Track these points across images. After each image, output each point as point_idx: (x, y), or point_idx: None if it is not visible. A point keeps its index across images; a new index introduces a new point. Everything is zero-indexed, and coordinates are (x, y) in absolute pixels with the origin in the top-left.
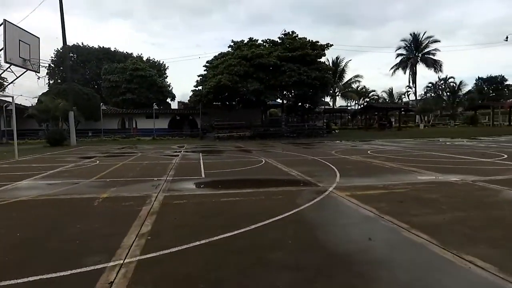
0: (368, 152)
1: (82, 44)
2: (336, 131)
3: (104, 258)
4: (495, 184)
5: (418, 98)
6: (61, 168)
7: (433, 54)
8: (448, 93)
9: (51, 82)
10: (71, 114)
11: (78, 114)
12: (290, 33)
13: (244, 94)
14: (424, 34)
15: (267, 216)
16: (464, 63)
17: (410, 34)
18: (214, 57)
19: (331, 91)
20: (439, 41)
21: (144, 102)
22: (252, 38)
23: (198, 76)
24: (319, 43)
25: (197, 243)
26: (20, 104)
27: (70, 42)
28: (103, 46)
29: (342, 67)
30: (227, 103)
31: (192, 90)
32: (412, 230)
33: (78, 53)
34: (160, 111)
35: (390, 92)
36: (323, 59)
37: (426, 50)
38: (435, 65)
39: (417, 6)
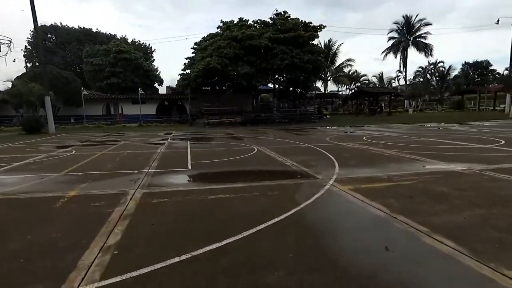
0: (364, 138)
1: (61, 24)
2: (328, 116)
3: None
4: (504, 173)
5: (408, 83)
6: (30, 160)
7: (424, 38)
8: (437, 78)
9: (28, 65)
10: (47, 99)
11: (55, 99)
12: (282, 13)
13: (235, 78)
14: (416, 17)
15: (262, 219)
16: (453, 47)
17: (403, 17)
18: (202, 38)
19: (323, 76)
20: (430, 24)
21: (130, 86)
22: (242, 19)
23: (186, 59)
24: (311, 25)
25: (176, 259)
26: None
27: (48, 22)
28: (84, 27)
29: (334, 50)
30: (216, 87)
31: (179, 74)
32: (433, 235)
33: (57, 34)
34: (147, 96)
35: (380, 77)
36: (315, 41)
37: (417, 34)
38: (425, 49)
39: None
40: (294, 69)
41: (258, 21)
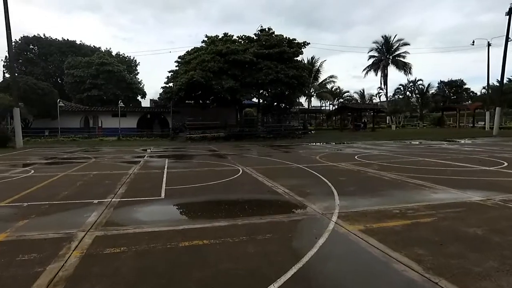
0: (356, 157)
1: (44, 35)
2: (312, 131)
3: None
4: None
5: (389, 99)
6: None
7: (403, 57)
8: (417, 95)
9: (7, 75)
10: (16, 110)
11: (25, 111)
12: (267, 29)
13: (219, 92)
14: (395, 37)
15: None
16: (425, 68)
17: (382, 37)
18: (186, 52)
19: (307, 91)
20: (408, 44)
21: (111, 99)
22: (227, 34)
23: (169, 72)
24: (296, 41)
25: None
26: None
27: (32, 33)
28: (67, 39)
29: (317, 67)
30: (200, 101)
31: (162, 87)
32: None
33: (39, 45)
34: (128, 109)
35: (362, 93)
36: (299, 58)
37: (396, 53)
38: (405, 67)
39: (380, 12)
40: (279, 84)
41: (243, 36)
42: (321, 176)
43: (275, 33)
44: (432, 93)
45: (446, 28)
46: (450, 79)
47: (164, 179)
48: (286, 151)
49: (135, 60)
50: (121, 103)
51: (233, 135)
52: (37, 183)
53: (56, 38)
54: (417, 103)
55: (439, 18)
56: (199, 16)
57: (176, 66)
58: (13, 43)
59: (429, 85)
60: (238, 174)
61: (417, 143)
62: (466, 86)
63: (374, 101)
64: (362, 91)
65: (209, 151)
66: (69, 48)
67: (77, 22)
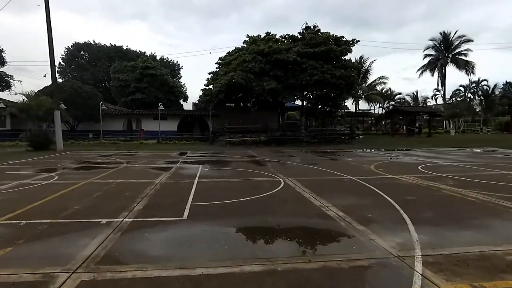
0: (419, 168)
1: (94, 42)
2: (360, 136)
3: None
4: None
5: (447, 102)
6: None
7: (465, 55)
8: (480, 97)
9: (60, 80)
10: (56, 113)
11: (66, 114)
12: (312, 27)
13: (260, 94)
14: (455, 33)
15: None
16: (488, 67)
17: (440, 33)
18: (227, 53)
19: (356, 93)
20: (471, 41)
21: (154, 102)
22: (269, 33)
23: (209, 73)
24: (344, 39)
25: None
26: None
27: (84, 40)
28: (115, 45)
29: (366, 67)
30: (241, 104)
31: (201, 89)
32: None
33: (89, 51)
34: (168, 112)
35: (415, 96)
36: (347, 57)
37: (457, 50)
38: (466, 66)
39: (437, 8)
40: (325, 85)
41: (286, 36)
42: (382, 194)
43: (321, 31)
44: (499, 95)
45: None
46: (496, 84)
47: (193, 191)
48: (333, 159)
49: (178, 64)
50: (161, 106)
51: (274, 140)
52: (53, 192)
53: (105, 44)
54: (480, 106)
55: (504, 12)
56: (242, 20)
57: (216, 68)
58: (65, 50)
59: (495, 86)
60: (279, 188)
61: (488, 151)
62: None
63: (428, 104)
64: (415, 93)
65: (248, 157)
66: (116, 53)
67: (127, 30)
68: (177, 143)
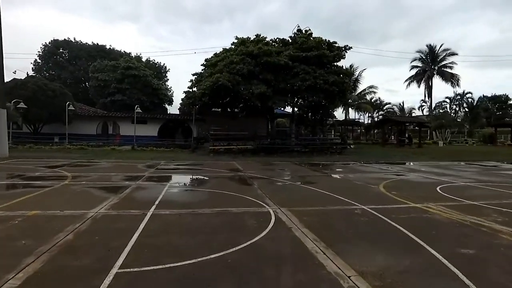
0: (439, 191)
1: (75, 39)
2: (352, 146)
3: None
4: None
5: (433, 113)
6: None
7: (450, 67)
8: (465, 109)
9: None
10: (1, 112)
11: (15, 113)
12: (304, 31)
13: (248, 98)
14: (441, 47)
15: None
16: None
17: (427, 46)
18: (214, 54)
19: (346, 100)
20: (456, 54)
21: (135, 104)
22: (260, 35)
23: (193, 75)
24: (336, 45)
25: None
26: None
27: (62, 38)
28: (97, 43)
29: (356, 76)
30: (228, 109)
31: (184, 92)
32: None
33: (69, 49)
34: (148, 115)
35: (401, 107)
36: (339, 63)
37: (443, 63)
38: (452, 79)
39: (417, 26)
40: (317, 91)
41: (277, 39)
42: (421, 242)
43: (313, 36)
44: (483, 107)
45: (483, 43)
46: (493, 94)
47: (134, 238)
48: (331, 175)
49: (165, 67)
50: (138, 108)
51: (263, 148)
52: None
53: (86, 43)
54: (466, 118)
55: (476, 33)
56: (235, 27)
57: (202, 70)
58: (42, 46)
59: (480, 98)
60: (268, 229)
61: (493, 167)
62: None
63: (413, 114)
64: (401, 104)
65: (231, 170)
66: (98, 52)
67: (116, 31)
68: (155, 150)
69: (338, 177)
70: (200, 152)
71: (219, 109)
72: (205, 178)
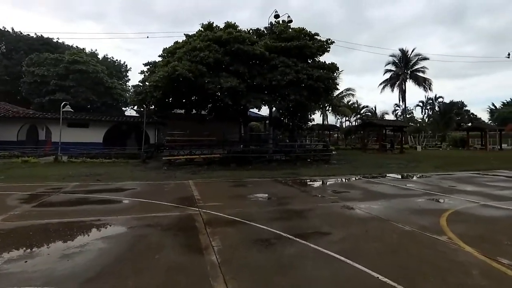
0: (446, 225)
1: (13, 30)
2: (334, 152)
3: None
4: None
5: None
6: None
7: (423, 72)
8: (437, 113)
9: None
10: None
11: None
12: (281, 22)
13: (216, 96)
14: (413, 51)
15: None
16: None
17: (400, 50)
18: (174, 42)
19: (321, 105)
20: (427, 59)
21: (83, 105)
22: (230, 22)
23: (145, 65)
24: (318, 37)
25: None
26: None
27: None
28: (41, 35)
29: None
30: (194, 111)
31: (132, 86)
32: None
33: (5, 41)
34: (90, 116)
35: (373, 111)
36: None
37: (415, 67)
38: (424, 83)
39: (379, 37)
40: (299, 88)
41: (250, 30)
42: None
43: (292, 26)
44: (455, 111)
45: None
46: (451, 101)
47: None
48: (347, 207)
49: (126, 65)
50: (68, 106)
51: (234, 158)
52: None
53: (28, 34)
54: (440, 122)
55: (429, 48)
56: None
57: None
58: None
59: (453, 103)
60: None
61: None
62: (466, 108)
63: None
64: (374, 108)
65: (178, 203)
66: (42, 45)
67: (81, 29)
68: (90, 162)
69: (362, 213)
70: (152, 164)
71: (183, 111)
72: (107, 237)
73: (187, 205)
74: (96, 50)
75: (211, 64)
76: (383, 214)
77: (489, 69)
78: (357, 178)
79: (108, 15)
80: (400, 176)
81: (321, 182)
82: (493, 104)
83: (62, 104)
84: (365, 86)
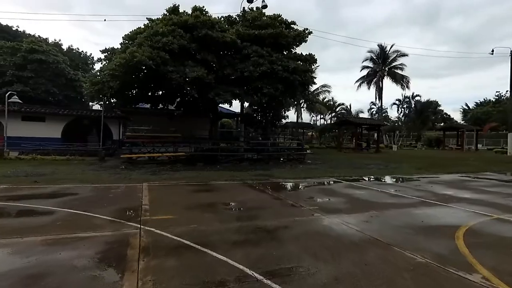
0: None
1: None
2: (308, 151)
3: None
4: None
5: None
6: None
7: (401, 69)
8: (415, 112)
9: None
10: None
11: None
12: (255, 9)
13: (182, 87)
14: (391, 47)
15: None
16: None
17: (378, 45)
18: (137, 28)
19: (296, 101)
20: (406, 55)
21: (43, 98)
22: (198, 6)
23: (103, 52)
24: (295, 26)
25: None
26: None
27: None
28: None
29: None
30: (161, 105)
31: (87, 76)
32: None
33: None
34: (46, 109)
35: (348, 109)
36: (298, 51)
37: (393, 64)
38: (402, 80)
39: (354, 37)
40: (274, 81)
41: (221, 17)
42: None
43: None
44: (431, 111)
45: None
46: (427, 100)
47: None
48: (329, 222)
49: (93, 57)
50: (16, 97)
51: (202, 157)
52: None
53: None
54: (417, 121)
55: (405, 46)
56: None
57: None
58: None
59: (430, 101)
60: None
61: (494, 179)
62: (440, 108)
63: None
64: (348, 106)
65: (115, 216)
66: (0, 33)
67: (47, 21)
68: (37, 159)
69: (353, 233)
70: (109, 163)
71: (148, 105)
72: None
73: (127, 220)
74: (60, 41)
75: (175, 51)
76: (381, 234)
77: (461, 70)
78: (336, 181)
79: (75, 6)
80: (384, 180)
81: (296, 186)
82: (466, 104)
83: (7, 94)
84: (338, 84)
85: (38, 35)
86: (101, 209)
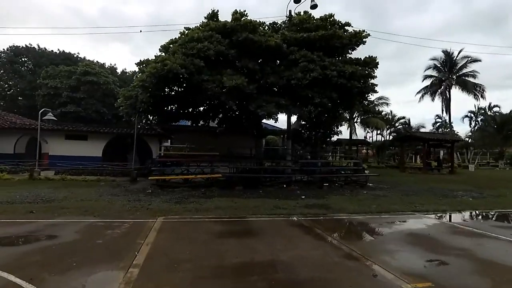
0: None
1: (38, 46)
2: (367, 171)
3: None
4: None
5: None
6: None
7: (474, 76)
8: (494, 126)
9: None
10: None
11: None
12: (302, 13)
13: (214, 95)
14: (459, 53)
15: None
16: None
17: (443, 52)
18: (176, 37)
19: (353, 112)
20: (479, 61)
21: (94, 117)
22: (238, 11)
23: (137, 64)
24: (351, 28)
25: None
26: None
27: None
28: (63, 51)
29: None
30: (201, 122)
31: (121, 90)
32: None
33: (31, 56)
34: (88, 128)
35: (407, 123)
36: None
37: (463, 72)
38: (475, 90)
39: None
40: (327, 89)
41: (264, 23)
42: None
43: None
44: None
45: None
46: (511, 111)
47: None
48: None
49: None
50: (50, 115)
51: (243, 179)
52: None
53: (52, 50)
54: (497, 136)
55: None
56: None
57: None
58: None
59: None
60: None
61: None
62: None
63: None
64: (407, 121)
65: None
66: (63, 60)
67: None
68: (66, 180)
69: None
70: (139, 185)
71: (189, 122)
72: None
73: None
74: (115, 65)
75: (211, 58)
76: None
77: None
78: (429, 219)
79: (134, 37)
80: (496, 217)
81: (371, 229)
82: None
83: (40, 111)
84: (391, 99)
85: (96, 61)
86: (66, 273)
